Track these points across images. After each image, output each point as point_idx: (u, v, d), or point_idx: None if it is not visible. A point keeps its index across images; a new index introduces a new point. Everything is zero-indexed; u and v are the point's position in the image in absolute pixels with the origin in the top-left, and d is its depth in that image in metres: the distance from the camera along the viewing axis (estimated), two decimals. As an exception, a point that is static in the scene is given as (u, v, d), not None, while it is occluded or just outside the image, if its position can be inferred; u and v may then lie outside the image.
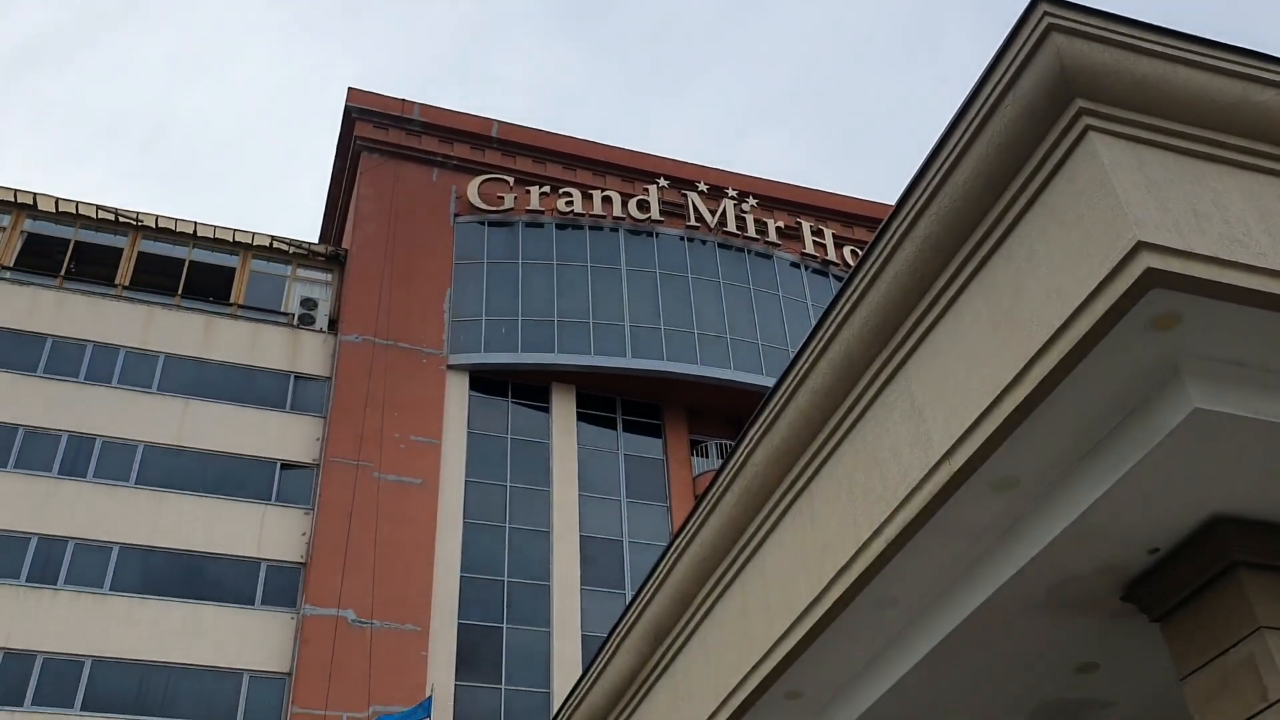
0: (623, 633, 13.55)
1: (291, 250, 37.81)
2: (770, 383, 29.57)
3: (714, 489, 11.11)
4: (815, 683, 10.26)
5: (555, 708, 23.89)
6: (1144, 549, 7.52)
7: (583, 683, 14.74)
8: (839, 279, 42.90)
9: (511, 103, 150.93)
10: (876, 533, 8.35)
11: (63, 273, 34.32)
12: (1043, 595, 8.06)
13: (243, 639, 26.88)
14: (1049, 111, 6.72)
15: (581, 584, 32.05)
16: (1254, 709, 6.77)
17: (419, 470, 31.42)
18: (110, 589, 26.82)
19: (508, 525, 32.30)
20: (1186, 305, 6.14)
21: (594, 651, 14.63)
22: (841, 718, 10.40)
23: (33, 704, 24.42)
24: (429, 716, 16.05)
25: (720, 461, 31.37)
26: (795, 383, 9.37)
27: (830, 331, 8.81)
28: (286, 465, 30.82)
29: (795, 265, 42.83)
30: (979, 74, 7.16)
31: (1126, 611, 8.11)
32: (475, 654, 29.25)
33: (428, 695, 16.96)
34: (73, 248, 35.13)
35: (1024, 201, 6.93)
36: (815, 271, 43.08)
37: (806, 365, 9.17)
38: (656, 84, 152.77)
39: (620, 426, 36.94)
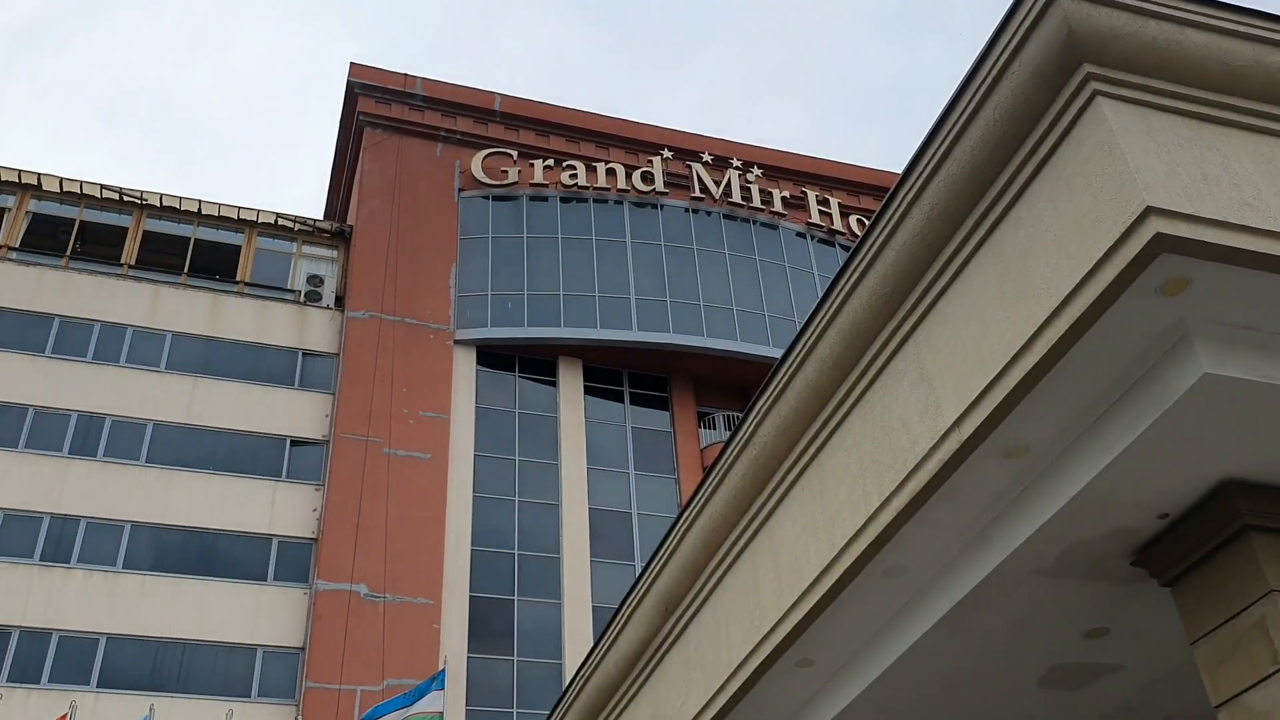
0: (634, 603, 13.61)
1: (297, 227, 37.80)
2: (777, 354, 29.57)
3: (722, 460, 11.14)
4: (826, 651, 10.31)
5: (568, 678, 24.03)
6: (1154, 514, 7.53)
7: (595, 653, 14.82)
8: (845, 248, 42.80)
9: (514, 80, 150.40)
10: (886, 502, 8.37)
11: (68, 253, 34.35)
12: (1053, 561, 8.08)
13: (256, 615, 27.04)
14: (1056, 77, 6.67)
15: (591, 556, 32.19)
16: (1265, 672, 6.80)
17: (428, 445, 31.51)
18: (123, 567, 26.96)
19: (517, 499, 32.40)
20: (1196, 270, 6.12)
21: (605, 623, 14.71)
22: (853, 685, 10.46)
23: (49, 681, 24.60)
24: (443, 689, 16.18)
25: (727, 433, 31.44)
26: (803, 353, 9.36)
27: (838, 301, 8.80)
28: (296, 442, 30.93)
29: (801, 235, 42.73)
30: (985, 40, 7.11)
31: (1137, 576, 8.13)
32: (487, 626, 29.42)
33: (441, 668, 17.08)
34: (78, 227, 35.15)
35: (1032, 168, 6.91)
36: (821, 241, 42.98)
37: (814, 335, 9.17)
38: (659, 58, 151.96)
39: (627, 399, 37.00)
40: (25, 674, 24.65)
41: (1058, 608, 8.68)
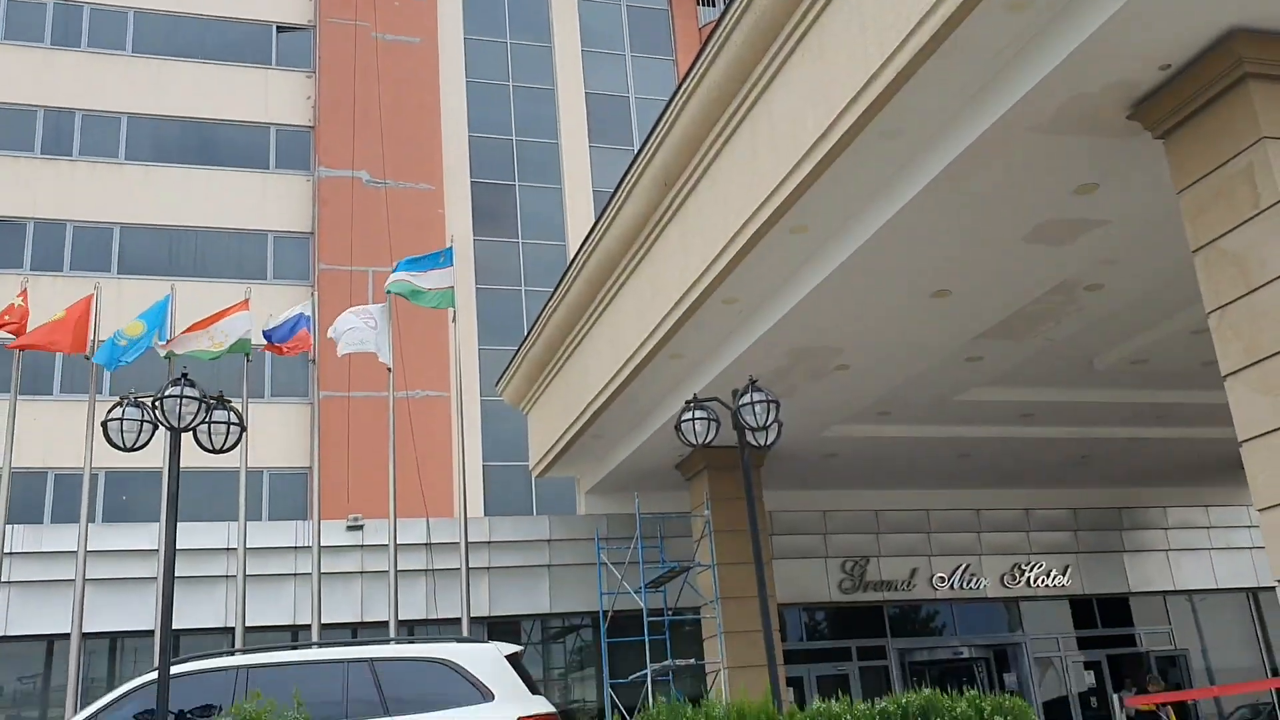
0: (634, 179, 13.83)
1: None
2: (779, -80, 27.79)
3: (722, 27, 10.89)
4: (821, 216, 10.62)
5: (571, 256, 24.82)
6: (1156, 65, 7.47)
7: (596, 229, 15.25)
8: None
9: None
10: (887, 62, 8.28)
11: None
12: (1049, 117, 8.12)
13: (262, 202, 27.44)
14: None
15: (590, 142, 32.11)
16: (1244, 216, 7.05)
17: (416, 29, 30.50)
18: (126, 158, 27.02)
19: (511, 84, 31.85)
20: None
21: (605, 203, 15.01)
22: (845, 247, 10.86)
23: (71, 269, 25.45)
24: (452, 266, 16.73)
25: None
26: (807, -95, 8.89)
27: None
28: (282, 28, 29.88)
29: None
30: None
31: (1131, 130, 8.21)
32: (490, 211, 29.93)
33: (448, 245, 17.59)
34: None
35: None
36: None
37: (819, -116, 8.66)
38: None
39: (622, -25, 35.31)
40: (47, 263, 25.42)
41: (1050, 164, 8.83)
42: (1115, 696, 13.44)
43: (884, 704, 6.13)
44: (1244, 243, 7.04)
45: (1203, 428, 17.49)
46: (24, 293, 16.62)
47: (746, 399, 9.26)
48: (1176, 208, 7.94)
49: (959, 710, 6.15)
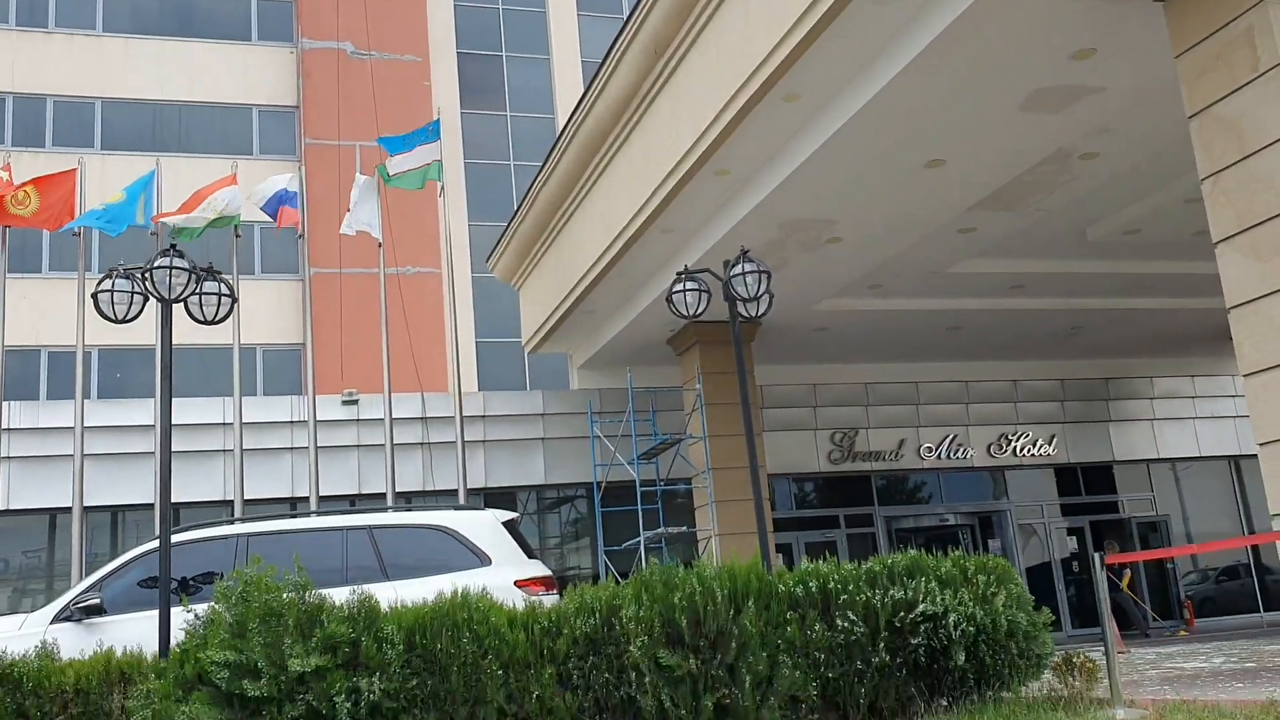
0: (623, 47, 13.57)
1: None
2: None
3: (714, -115, 10.55)
4: (813, 84, 10.45)
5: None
6: (1158, -77, 7.29)
7: (585, 100, 15.02)
8: None
9: None
10: (883, -79, 8.06)
11: None
12: (1048, -21, 7.95)
13: (245, 75, 26.87)
14: None
15: (578, 10, 31.35)
16: (1242, 80, 6.96)
17: (398, -109, 29.49)
18: (104, 30, 26.37)
19: (496, -52, 30.93)
20: None
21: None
22: (838, 116, 10.72)
23: (53, 145, 25.04)
24: (439, 140, 16.49)
25: None
26: None
27: None
28: (258, -109, 28.86)
29: None
30: None
31: (1131, -8, 8.05)
32: (478, 84, 29.37)
33: (435, 119, 17.30)
34: None
35: None
36: None
37: None
38: None
39: None
40: (28, 139, 24.98)
41: (1047, 28, 8.67)
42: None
43: (870, 564, 6.29)
44: (1241, 107, 6.97)
45: (1192, 299, 17.57)
46: (8, 166, 16.40)
47: (738, 269, 9.25)
48: (1173, 74, 7.82)
49: (944, 570, 6.32)
